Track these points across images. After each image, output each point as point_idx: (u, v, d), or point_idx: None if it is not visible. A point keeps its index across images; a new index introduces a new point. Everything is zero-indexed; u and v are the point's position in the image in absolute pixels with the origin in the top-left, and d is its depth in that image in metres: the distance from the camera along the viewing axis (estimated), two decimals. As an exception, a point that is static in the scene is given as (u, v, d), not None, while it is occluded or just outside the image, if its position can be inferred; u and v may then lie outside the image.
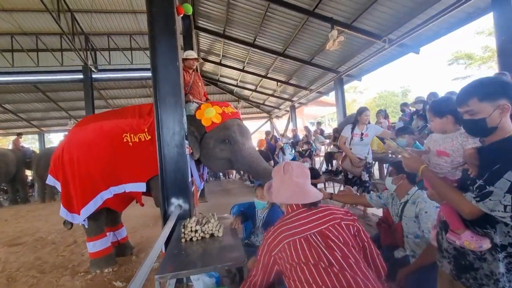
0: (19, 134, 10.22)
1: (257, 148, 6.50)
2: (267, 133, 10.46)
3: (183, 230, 1.95)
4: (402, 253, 1.96)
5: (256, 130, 17.67)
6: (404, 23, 5.62)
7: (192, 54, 3.58)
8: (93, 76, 11.25)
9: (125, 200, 3.29)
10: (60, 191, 3.13)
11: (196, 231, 1.92)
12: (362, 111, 3.82)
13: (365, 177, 3.80)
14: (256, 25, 7.31)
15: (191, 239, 1.90)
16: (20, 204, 9.00)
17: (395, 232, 2.01)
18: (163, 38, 2.70)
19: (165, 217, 2.63)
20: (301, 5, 5.95)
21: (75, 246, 4.31)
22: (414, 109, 5.43)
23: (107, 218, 3.40)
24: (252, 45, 8.36)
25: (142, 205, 3.20)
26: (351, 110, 16.43)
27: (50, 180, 3.22)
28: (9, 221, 6.48)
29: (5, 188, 9.66)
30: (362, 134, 3.73)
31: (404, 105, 6.38)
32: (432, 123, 1.41)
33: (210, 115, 2.92)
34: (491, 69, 12.79)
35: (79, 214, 2.99)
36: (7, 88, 12.18)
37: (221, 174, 12.81)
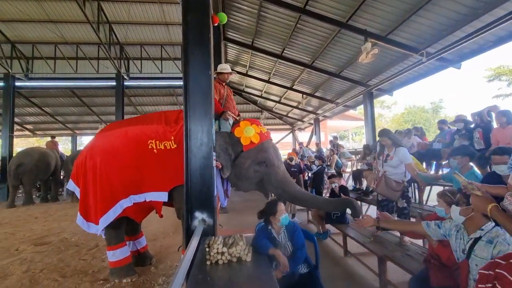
0: (53, 137, 10.81)
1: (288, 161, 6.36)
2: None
3: (207, 250, 1.80)
4: (462, 300, 1.66)
5: (278, 141, 17.47)
6: (446, 36, 5.27)
7: (227, 68, 3.55)
8: (125, 83, 11.81)
9: (144, 209, 3.20)
10: (79, 197, 3.07)
11: (222, 253, 1.76)
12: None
13: (403, 203, 3.47)
14: (285, 37, 7.26)
15: (216, 262, 1.74)
16: (50, 202, 9.42)
17: (456, 271, 1.71)
18: (197, 47, 2.65)
19: (188, 232, 2.51)
20: (333, 17, 5.81)
21: (96, 250, 4.32)
22: (455, 128, 4.99)
23: (127, 226, 3.33)
24: (280, 56, 8.32)
25: (161, 216, 3.07)
26: (378, 125, 15.79)
27: (71, 185, 3.15)
28: (38, 218, 6.75)
29: (39, 185, 10.17)
30: (388, 155, 3.54)
31: (443, 122, 5.90)
32: None
33: (249, 134, 2.85)
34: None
35: (96, 223, 2.90)
36: (48, 93, 13.08)
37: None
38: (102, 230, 2.98)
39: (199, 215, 2.60)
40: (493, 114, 4.22)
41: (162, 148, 2.79)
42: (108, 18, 10.04)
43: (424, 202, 4.73)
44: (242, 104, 15.51)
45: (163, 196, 2.82)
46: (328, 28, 6.35)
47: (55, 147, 10.21)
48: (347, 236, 3.83)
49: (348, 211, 3.62)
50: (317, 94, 10.62)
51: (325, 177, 6.04)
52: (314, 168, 6.81)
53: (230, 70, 3.51)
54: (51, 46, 11.32)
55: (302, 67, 8.60)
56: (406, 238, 3.36)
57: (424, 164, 5.10)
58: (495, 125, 4.17)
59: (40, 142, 23.28)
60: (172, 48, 11.78)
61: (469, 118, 4.67)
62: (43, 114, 14.77)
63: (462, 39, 4.91)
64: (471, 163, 3.04)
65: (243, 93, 14.56)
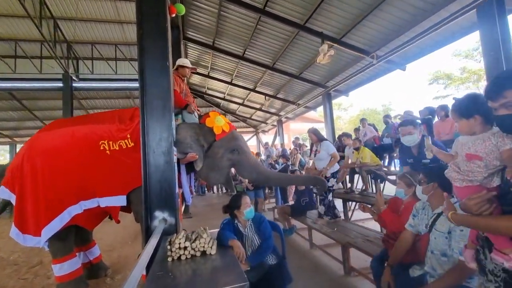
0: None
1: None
2: (258, 154, 10.06)
3: (169, 247, 1.67)
4: (419, 271, 1.76)
5: (243, 144, 17.47)
6: (392, 40, 5.77)
7: (187, 62, 3.44)
8: (74, 85, 10.78)
9: (97, 216, 2.89)
10: (14, 205, 2.65)
11: (185, 248, 1.64)
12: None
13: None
14: (246, 38, 7.31)
15: (179, 257, 1.63)
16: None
17: (417, 244, 1.81)
18: (153, 37, 2.51)
19: (148, 233, 2.34)
20: (292, 19, 6.00)
21: (40, 267, 3.81)
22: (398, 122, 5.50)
23: (76, 236, 2.98)
24: (242, 57, 8.34)
25: (118, 222, 2.80)
26: (336, 126, 16.67)
27: (4, 193, 2.69)
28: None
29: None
30: (316, 150, 4.06)
31: (387, 117, 6.44)
32: (458, 125, 1.27)
33: (221, 123, 2.86)
34: (468, 89, 13.60)
35: (37, 235, 2.54)
36: (-22, 95, 11.40)
37: (206, 188, 12.38)
38: (46, 242, 2.61)
39: (159, 215, 2.44)
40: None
41: (117, 148, 2.58)
42: (52, 13, 9.12)
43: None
44: (204, 107, 15.20)
45: (121, 200, 2.59)
46: (287, 30, 6.54)
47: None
48: (312, 229, 3.92)
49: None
50: (279, 95, 10.86)
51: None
52: (278, 167, 6.90)
53: (190, 65, 3.38)
54: (-18, 43, 9.92)
55: (264, 69, 8.72)
56: (367, 225, 3.54)
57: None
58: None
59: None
60: (127, 48, 11.08)
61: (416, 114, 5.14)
62: (-27, 120, 12.84)
63: (406, 43, 5.43)
64: None
65: (205, 96, 14.30)
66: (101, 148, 2.56)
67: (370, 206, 2.57)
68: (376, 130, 6.72)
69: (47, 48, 9.64)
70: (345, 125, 26.77)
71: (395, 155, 5.28)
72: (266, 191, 7.32)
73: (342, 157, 5.92)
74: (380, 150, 5.64)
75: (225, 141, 2.84)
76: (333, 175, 3.88)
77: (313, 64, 7.53)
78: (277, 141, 13.86)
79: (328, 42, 5.94)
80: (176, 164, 2.65)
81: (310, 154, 4.06)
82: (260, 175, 2.95)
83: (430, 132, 4.43)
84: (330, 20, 5.81)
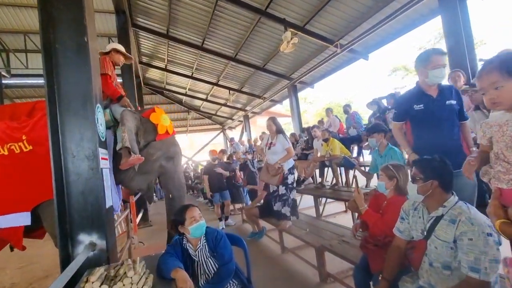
0: None
1: (217, 160, 5.76)
2: (223, 151, 9.28)
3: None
4: (411, 285, 1.43)
5: (209, 142, 16.76)
6: (355, 28, 5.61)
7: (122, 48, 2.81)
8: (4, 81, 9.22)
9: None
10: None
11: (100, 295, 1.12)
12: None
13: (282, 190, 3.51)
14: (204, 26, 6.69)
15: (90, 311, 1.10)
16: None
17: (410, 252, 1.48)
18: (63, 5, 1.88)
19: (66, 265, 1.74)
20: (252, 3, 5.54)
21: None
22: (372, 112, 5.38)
23: None
24: (201, 48, 7.70)
25: (23, 248, 2.15)
26: (303, 120, 16.73)
27: None
28: None
29: None
30: (271, 143, 3.64)
31: (347, 106, 6.33)
32: (499, 92, 0.93)
33: (166, 123, 2.59)
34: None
35: None
36: None
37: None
38: None
39: (84, 238, 1.85)
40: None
41: (6, 153, 1.96)
42: (-32, -5, 7.60)
43: (350, 184, 4.89)
44: (165, 104, 14.22)
45: (22, 219, 1.95)
46: (247, 17, 6.07)
47: None
48: (283, 231, 3.55)
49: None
50: (244, 89, 10.40)
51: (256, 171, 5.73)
52: (250, 164, 6.38)
53: (124, 50, 2.78)
54: None
55: (226, 60, 8.19)
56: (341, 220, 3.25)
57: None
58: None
59: None
60: (70, 39, 9.77)
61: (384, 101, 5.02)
62: None
63: (368, 31, 5.28)
64: (385, 140, 3.09)
65: (164, 92, 13.33)
66: None
67: (345, 202, 2.25)
68: (340, 121, 6.59)
69: (-35, 38, 8.08)
70: (312, 119, 27.25)
71: (363, 145, 5.12)
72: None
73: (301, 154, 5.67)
74: (347, 141, 5.46)
75: (165, 144, 2.55)
76: (290, 171, 3.56)
77: (277, 54, 7.19)
78: (244, 137, 13.43)
79: (291, 30, 5.61)
80: (107, 170, 2.08)
81: (269, 147, 3.57)
82: (182, 191, 2.73)
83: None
84: (292, 6, 5.46)
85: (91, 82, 1.92)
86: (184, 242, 1.67)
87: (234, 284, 1.66)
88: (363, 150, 5.38)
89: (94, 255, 1.84)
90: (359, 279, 1.85)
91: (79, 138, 1.89)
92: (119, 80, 7.54)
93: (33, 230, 2.16)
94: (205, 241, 1.68)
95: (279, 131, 3.56)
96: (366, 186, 4.32)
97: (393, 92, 4.85)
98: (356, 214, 3.09)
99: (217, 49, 7.80)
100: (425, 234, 1.36)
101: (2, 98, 9.12)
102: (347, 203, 3.64)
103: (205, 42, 7.45)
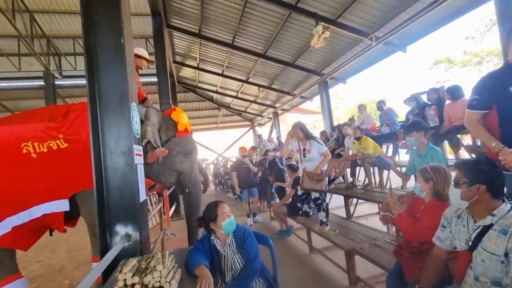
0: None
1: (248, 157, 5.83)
2: (254, 148, 9.16)
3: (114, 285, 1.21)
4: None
5: (239, 139, 16.99)
6: (391, 19, 5.27)
7: (145, 52, 3.02)
8: (56, 82, 10.20)
9: (33, 232, 2.39)
10: None
11: (133, 285, 1.19)
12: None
13: (315, 194, 3.34)
14: (235, 23, 6.75)
15: (124, 299, 1.17)
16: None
17: (451, 263, 1.35)
18: (105, 6, 2.01)
19: (105, 254, 1.87)
20: (282, -1, 5.45)
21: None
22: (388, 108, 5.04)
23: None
24: (231, 45, 7.79)
25: (64, 231, 2.39)
26: (334, 117, 16.17)
27: None
28: None
29: None
30: (304, 149, 3.43)
31: (382, 102, 5.93)
32: None
33: (185, 121, 2.78)
34: (471, 72, 13.10)
35: None
36: (-45, 97, 10.79)
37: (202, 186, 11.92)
38: None
39: (121, 230, 1.97)
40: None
41: (45, 150, 2.16)
42: (27, 5, 8.47)
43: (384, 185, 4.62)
44: (197, 102, 14.68)
45: (62, 205, 2.19)
46: (278, 12, 5.99)
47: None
48: (311, 230, 3.48)
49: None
50: (273, 86, 10.34)
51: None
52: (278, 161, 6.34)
53: (147, 56, 2.97)
54: (-46, 40, 9.29)
55: (256, 57, 8.18)
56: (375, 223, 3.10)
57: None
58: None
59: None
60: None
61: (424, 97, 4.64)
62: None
63: (407, 21, 4.91)
64: (425, 139, 2.84)
65: (197, 89, 13.73)
66: (24, 151, 2.13)
67: (386, 214, 2.10)
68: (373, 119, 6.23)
69: (24, 44, 9.03)
70: (343, 115, 26.30)
71: (400, 144, 4.79)
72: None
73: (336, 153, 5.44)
74: (380, 139, 5.14)
75: (183, 141, 2.72)
76: (325, 173, 3.41)
77: (307, 49, 7.02)
78: (274, 134, 13.37)
79: (323, 23, 5.41)
80: (141, 165, 2.20)
81: (304, 155, 3.37)
82: (199, 195, 2.88)
83: (441, 116, 3.95)
84: (324, -1, 5.27)
85: (127, 82, 2.03)
86: (212, 238, 1.71)
87: (260, 282, 1.66)
88: (399, 149, 5.04)
89: (129, 246, 1.96)
90: (392, 286, 1.74)
91: (116, 135, 2.01)
92: (155, 79, 7.98)
93: (67, 220, 2.37)
94: (233, 237, 1.71)
95: (310, 136, 3.41)
96: (402, 187, 4.07)
97: (437, 87, 4.44)
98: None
99: (247, 46, 7.83)
100: (470, 244, 1.23)
101: (55, 98, 10.09)
102: (380, 205, 3.44)
103: (235, 39, 7.53)
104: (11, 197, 2.14)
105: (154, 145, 2.36)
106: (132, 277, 1.20)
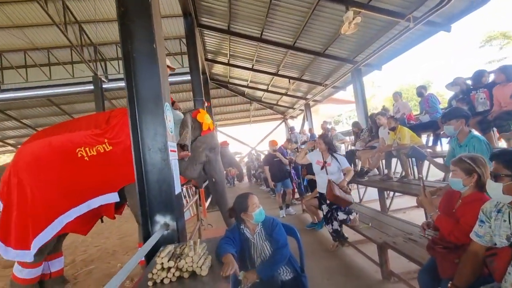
0: None
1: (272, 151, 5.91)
2: (289, 140, 8.06)
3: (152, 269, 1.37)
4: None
5: (271, 132, 17.04)
6: (432, -5, 4.81)
7: (167, 60, 3.22)
8: (103, 86, 11.20)
9: (89, 220, 2.95)
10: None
11: (169, 269, 1.34)
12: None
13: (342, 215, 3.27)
14: (262, 17, 6.74)
15: (161, 281, 1.32)
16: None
17: (490, 260, 1.27)
18: (138, 15, 2.19)
19: (147, 239, 2.09)
20: (310, -13, 5.31)
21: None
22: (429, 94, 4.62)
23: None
24: (260, 39, 7.80)
25: (114, 218, 2.96)
26: (371, 106, 15.28)
27: None
28: None
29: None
30: (325, 163, 3.42)
31: (422, 87, 5.46)
32: None
33: (208, 121, 3.11)
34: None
35: (24, 247, 2.52)
36: (24, 104, 12.43)
37: (235, 178, 12.26)
38: (35, 254, 2.58)
39: (160, 219, 2.18)
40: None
41: (95, 154, 2.59)
42: (76, 17, 9.38)
43: (424, 178, 4.35)
44: (229, 97, 14.99)
45: (112, 197, 2.65)
46: (305, 1, 5.84)
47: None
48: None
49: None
50: (304, 77, 10.15)
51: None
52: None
53: (170, 63, 3.22)
54: (20, 54, 10.66)
55: (285, 49, 8.09)
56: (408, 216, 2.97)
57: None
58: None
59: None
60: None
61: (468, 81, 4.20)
62: (23, 127, 14.14)
63: (451, -3, 4.46)
64: (467, 127, 2.58)
65: (228, 85, 14.02)
66: (79, 155, 2.58)
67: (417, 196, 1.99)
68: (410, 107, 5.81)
69: (76, 52, 10.05)
70: (380, 104, 24.81)
71: (440, 133, 4.44)
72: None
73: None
74: (418, 128, 4.78)
75: (208, 138, 3.06)
76: None
77: (338, 37, 6.75)
78: (306, 126, 13.17)
79: (354, 8, 5.14)
80: (176, 160, 2.39)
81: (323, 167, 3.38)
82: (223, 183, 3.24)
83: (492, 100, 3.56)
84: (354, -18, 5.01)
85: (160, 83, 2.21)
86: (241, 226, 1.83)
87: (287, 271, 1.73)
88: (442, 138, 4.66)
89: (168, 234, 2.16)
90: (425, 283, 1.69)
91: (153, 133, 2.21)
92: (188, 77, 8.34)
93: (116, 208, 2.88)
94: (262, 226, 1.82)
95: (333, 150, 3.45)
96: (444, 180, 3.79)
97: (506, 65, 3.85)
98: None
99: (276, 39, 7.77)
100: (509, 241, 1.15)
101: (103, 100, 11.11)
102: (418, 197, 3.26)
103: (263, 33, 7.52)
104: (72, 194, 2.61)
105: (186, 149, 2.70)
106: (168, 261, 1.35)
